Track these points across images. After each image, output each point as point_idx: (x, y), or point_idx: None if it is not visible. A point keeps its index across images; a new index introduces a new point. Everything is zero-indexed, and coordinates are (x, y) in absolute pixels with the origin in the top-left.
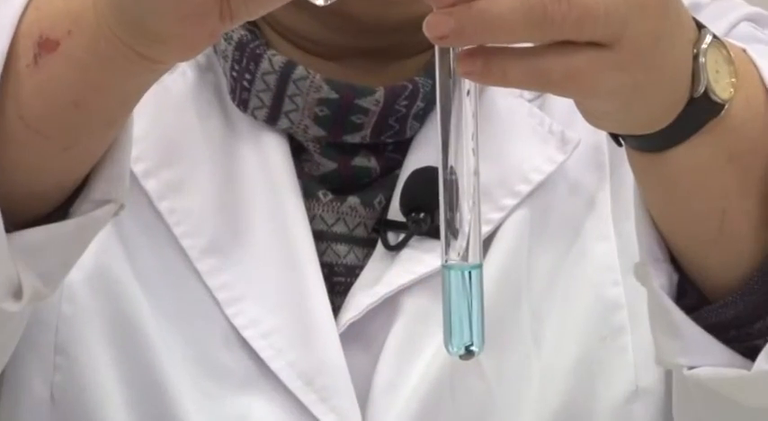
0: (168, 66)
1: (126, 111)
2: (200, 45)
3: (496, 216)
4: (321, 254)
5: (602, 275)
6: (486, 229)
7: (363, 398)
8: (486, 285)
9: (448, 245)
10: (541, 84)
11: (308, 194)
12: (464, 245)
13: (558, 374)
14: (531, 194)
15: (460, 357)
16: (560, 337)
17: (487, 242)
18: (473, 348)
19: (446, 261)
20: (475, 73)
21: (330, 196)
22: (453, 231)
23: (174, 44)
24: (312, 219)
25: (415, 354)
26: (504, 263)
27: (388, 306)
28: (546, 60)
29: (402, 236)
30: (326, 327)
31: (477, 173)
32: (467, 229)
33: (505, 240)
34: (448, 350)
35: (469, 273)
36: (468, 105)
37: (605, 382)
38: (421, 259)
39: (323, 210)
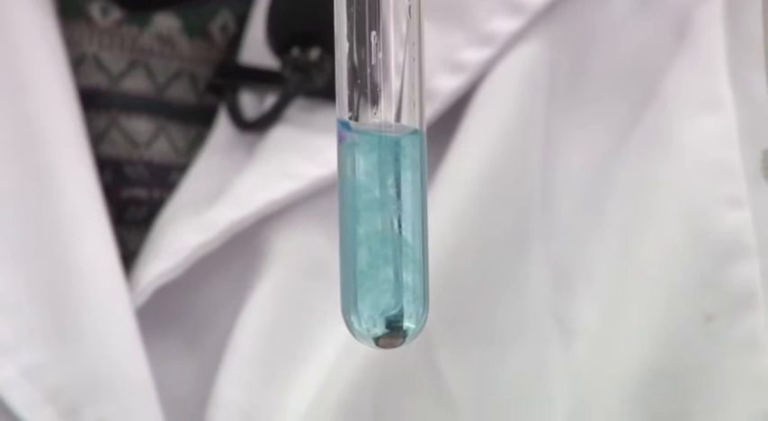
0: None
1: None
2: None
3: (475, 56)
4: (96, 138)
5: (707, 183)
6: (449, 84)
7: None
8: (453, 207)
9: (354, 100)
10: None
11: (70, 12)
12: (392, 102)
13: (607, 394)
14: (551, 11)
15: (377, 342)
16: (615, 318)
17: (454, 114)
18: (403, 323)
19: (350, 118)
20: None
21: (115, 15)
22: (364, 86)
23: None
24: (78, 62)
25: (298, 353)
26: (492, 160)
27: (241, 250)
28: None
29: (271, 99)
30: (107, 296)
31: None
32: (396, 84)
33: (495, 111)
34: (349, 325)
35: (397, 142)
36: None
37: (710, 413)
38: (310, 148)
39: (101, 45)
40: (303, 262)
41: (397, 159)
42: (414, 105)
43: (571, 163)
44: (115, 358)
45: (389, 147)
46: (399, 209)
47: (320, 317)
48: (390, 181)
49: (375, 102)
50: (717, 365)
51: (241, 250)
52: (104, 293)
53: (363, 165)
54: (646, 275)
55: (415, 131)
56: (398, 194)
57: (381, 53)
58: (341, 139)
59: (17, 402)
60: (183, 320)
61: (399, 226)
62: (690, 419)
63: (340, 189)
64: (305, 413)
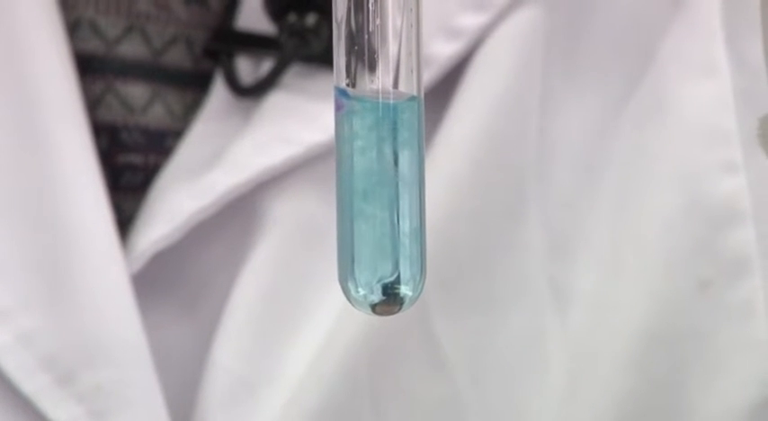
0: None
1: None
2: None
3: (471, 22)
4: (93, 104)
5: (703, 149)
6: (446, 50)
7: (183, 410)
8: (450, 173)
9: (351, 67)
10: None
11: None
12: (389, 69)
13: (603, 360)
14: None
15: (374, 309)
16: (611, 284)
17: (451, 80)
18: (400, 289)
19: (347, 85)
20: None
21: None
22: (361, 53)
23: None
24: (74, 27)
25: (295, 320)
26: (488, 126)
27: (238, 216)
28: None
29: (268, 64)
30: (103, 262)
31: None
32: (394, 51)
33: (491, 77)
34: (346, 292)
35: (395, 109)
36: None
37: (706, 379)
38: (307, 113)
39: (97, 10)
40: (300, 227)
41: (394, 126)
42: (411, 72)
43: (568, 129)
44: (111, 324)
45: (387, 114)
46: (397, 175)
47: (317, 284)
48: (388, 147)
49: (372, 68)
50: (713, 331)
51: (238, 216)
52: (100, 259)
53: (361, 131)
54: (642, 241)
55: (412, 98)
56: (396, 161)
57: (379, 19)
58: (338, 108)
59: (13, 369)
60: (179, 286)
61: (397, 192)
62: (686, 385)
63: (338, 156)
64: (301, 379)
